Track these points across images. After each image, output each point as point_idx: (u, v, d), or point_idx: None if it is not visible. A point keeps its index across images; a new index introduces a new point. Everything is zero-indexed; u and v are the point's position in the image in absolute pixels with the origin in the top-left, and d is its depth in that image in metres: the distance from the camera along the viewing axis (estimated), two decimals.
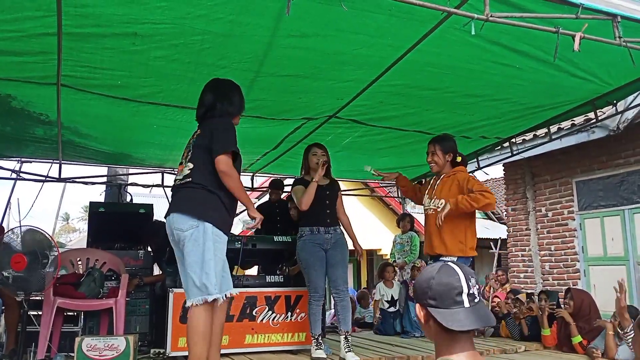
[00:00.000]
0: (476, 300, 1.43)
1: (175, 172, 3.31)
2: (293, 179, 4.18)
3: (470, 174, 3.93)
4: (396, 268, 6.53)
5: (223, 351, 4.19)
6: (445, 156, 3.84)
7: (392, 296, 6.05)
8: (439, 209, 3.69)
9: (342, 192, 10.03)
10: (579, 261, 6.93)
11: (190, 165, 2.99)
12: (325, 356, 4.04)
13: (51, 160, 5.95)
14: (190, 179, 2.97)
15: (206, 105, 3.12)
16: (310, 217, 4.16)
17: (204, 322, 2.87)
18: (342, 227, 4.32)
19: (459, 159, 3.90)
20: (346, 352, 4.00)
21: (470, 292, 1.42)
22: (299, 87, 3.83)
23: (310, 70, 3.56)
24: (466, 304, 1.41)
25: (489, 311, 1.47)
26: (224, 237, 2.99)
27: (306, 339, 4.43)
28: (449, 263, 1.50)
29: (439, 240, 3.69)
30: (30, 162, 6.05)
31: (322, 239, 4.14)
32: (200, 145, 3.00)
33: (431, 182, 4.00)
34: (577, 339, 4.60)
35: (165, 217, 3.07)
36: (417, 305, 1.51)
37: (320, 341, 4.16)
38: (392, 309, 6.03)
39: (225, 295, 2.97)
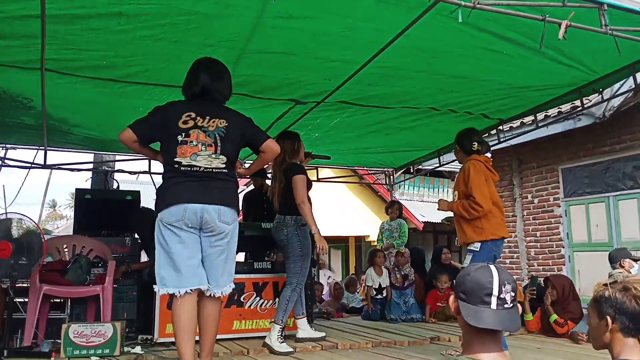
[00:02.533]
0: (506, 306, 1.46)
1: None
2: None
3: (477, 161, 3.81)
4: (384, 252, 6.54)
5: None
6: (458, 149, 4.02)
7: (380, 284, 6.14)
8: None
9: (331, 179, 9.95)
10: (564, 247, 7.03)
11: (224, 159, 2.94)
12: (292, 349, 3.92)
13: (36, 147, 5.87)
14: (227, 172, 2.98)
15: (221, 89, 3.06)
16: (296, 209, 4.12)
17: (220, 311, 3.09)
18: None
19: (475, 146, 3.93)
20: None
21: (501, 296, 1.46)
22: (286, 64, 3.78)
23: (297, 49, 3.52)
24: (493, 305, 1.45)
25: (517, 319, 1.49)
26: None
27: (293, 324, 4.46)
28: (491, 265, 1.53)
29: (461, 230, 3.84)
30: (15, 148, 5.96)
31: None
32: (229, 139, 2.94)
33: None
34: (553, 317, 4.75)
35: (193, 203, 2.86)
36: (452, 295, 1.57)
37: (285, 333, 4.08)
38: (379, 296, 6.12)
39: None
